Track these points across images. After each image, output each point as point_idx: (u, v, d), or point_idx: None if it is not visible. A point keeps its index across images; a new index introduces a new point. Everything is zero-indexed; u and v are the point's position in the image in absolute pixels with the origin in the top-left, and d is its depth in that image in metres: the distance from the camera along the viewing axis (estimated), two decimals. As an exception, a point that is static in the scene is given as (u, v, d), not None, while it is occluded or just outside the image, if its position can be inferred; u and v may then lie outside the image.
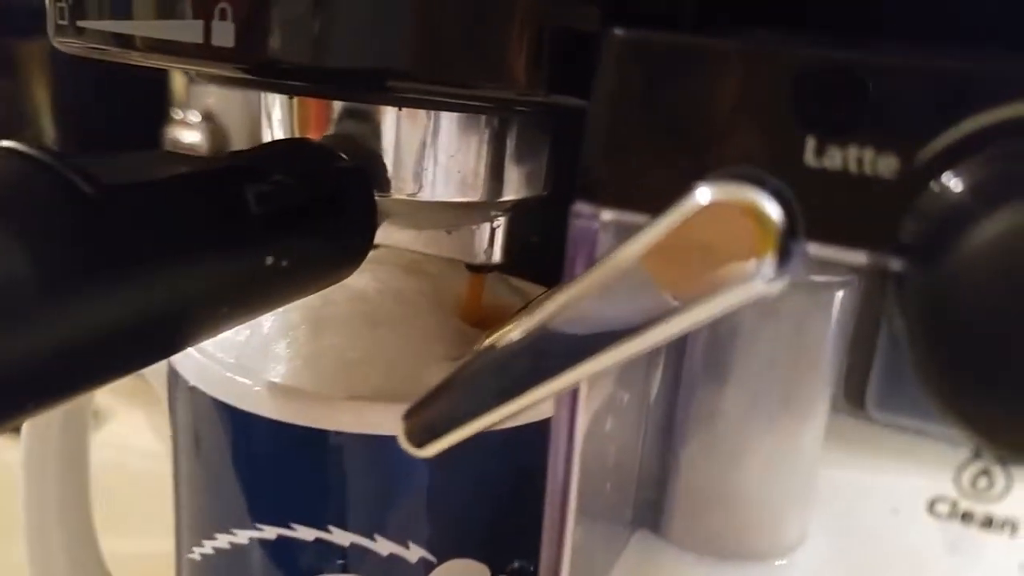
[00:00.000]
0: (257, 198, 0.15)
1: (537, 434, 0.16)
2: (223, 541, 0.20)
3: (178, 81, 0.51)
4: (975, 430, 0.09)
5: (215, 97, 0.47)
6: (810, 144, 0.10)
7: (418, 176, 0.19)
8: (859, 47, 0.10)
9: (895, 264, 0.10)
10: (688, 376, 0.19)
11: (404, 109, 0.18)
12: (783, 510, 0.19)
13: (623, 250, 0.11)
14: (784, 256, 0.10)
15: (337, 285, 0.18)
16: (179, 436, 0.21)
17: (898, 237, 0.10)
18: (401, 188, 0.19)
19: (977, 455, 0.11)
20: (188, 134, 0.55)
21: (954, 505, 0.12)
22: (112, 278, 0.13)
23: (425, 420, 0.13)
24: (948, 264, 0.09)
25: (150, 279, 0.13)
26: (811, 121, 0.10)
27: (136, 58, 0.17)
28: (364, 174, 0.18)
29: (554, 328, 0.11)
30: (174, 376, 0.21)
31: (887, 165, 0.10)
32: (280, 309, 0.18)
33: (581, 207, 0.12)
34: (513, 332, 0.17)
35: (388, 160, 0.19)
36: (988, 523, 0.12)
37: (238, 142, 0.49)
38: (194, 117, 0.54)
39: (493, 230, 0.22)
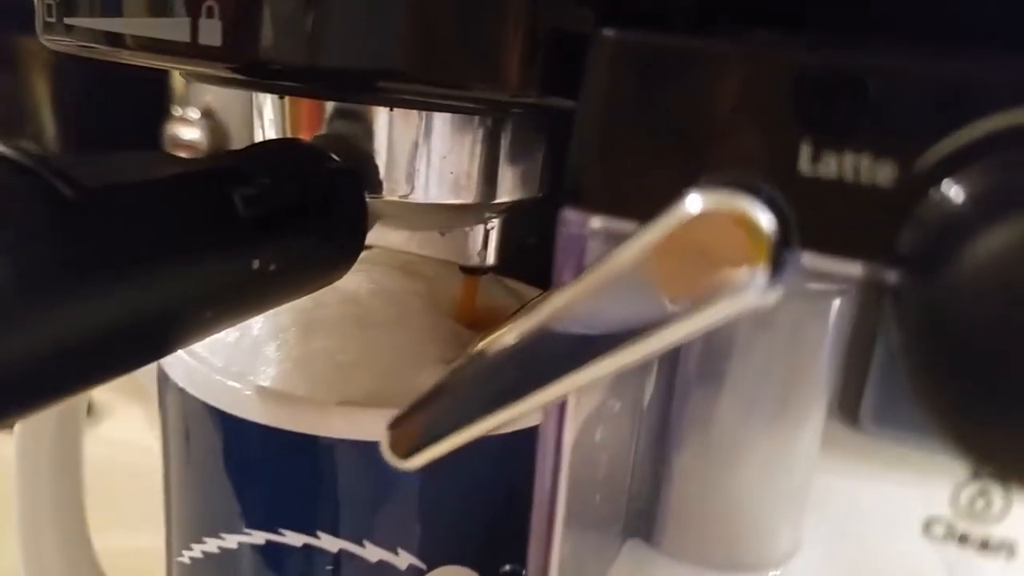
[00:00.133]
0: (245, 201, 0.15)
1: (529, 440, 0.15)
2: (212, 545, 0.20)
3: (178, 78, 0.51)
4: (971, 450, 0.09)
5: (214, 94, 0.47)
6: (805, 150, 0.10)
7: (411, 177, 0.19)
8: (856, 49, 0.10)
9: (892, 275, 0.10)
10: (682, 383, 0.19)
11: (396, 110, 0.18)
12: (777, 519, 0.19)
13: (611, 259, 0.10)
14: (777, 267, 0.10)
15: (329, 286, 0.18)
16: (169, 438, 0.21)
17: (895, 247, 0.10)
18: (393, 190, 0.19)
19: (975, 475, 0.11)
20: (187, 131, 0.54)
21: (950, 526, 0.12)
22: (92, 282, 0.12)
23: (410, 431, 0.12)
24: (947, 277, 0.09)
25: (131, 283, 0.13)
26: (806, 126, 0.10)
27: (125, 56, 0.17)
28: (355, 175, 0.18)
29: (540, 340, 0.11)
30: (163, 377, 0.21)
31: (884, 173, 0.10)
32: (270, 311, 0.17)
33: (569, 214, 0.11)
34: (503, 338, 0.17)
35: (380, 161, 0.19)
36: (985, 545, 0.12)
37: (238, 139, 0.49)
38: (193, 114, 0.54)
39: (487, 232, 0.21)
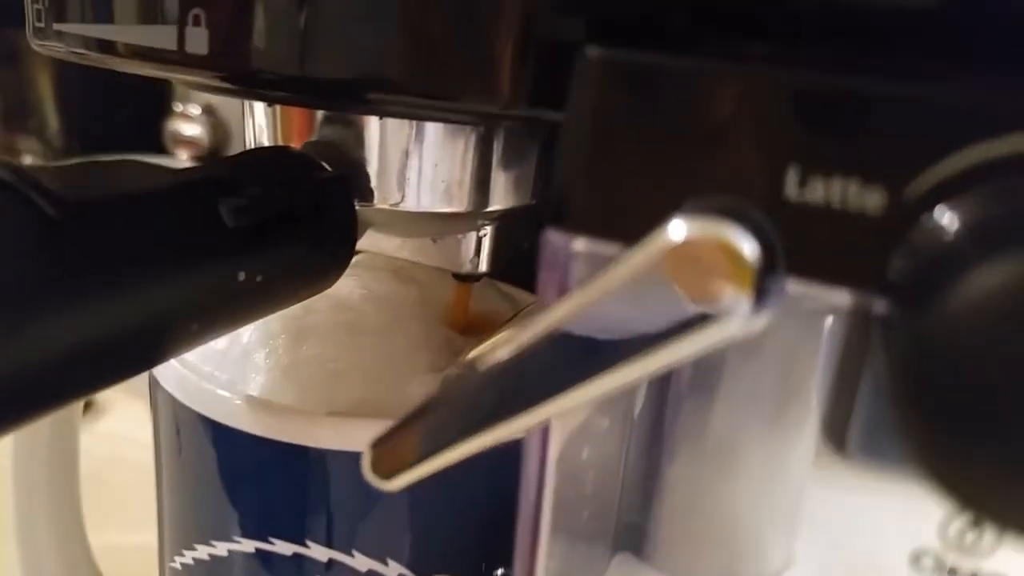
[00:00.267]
0: (231, 212, 0.15)
1: (520, 450, 0.15)
2: (203, 552, 0.20)
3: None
4: (954, 490, 0.08)
5: (215, 90, 0.47)
6: (792, 175, 0.10)
7: (402, 186, 0.18)
8: (846, 70, 0.10)
9: (880, 305, 0.10)
10: (675, 395, 0.18)
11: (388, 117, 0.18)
12: (770, 533, 0.19)
13: (594, 284, 0.10)
14: (762, 294, 0.10)
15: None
16: (160, 443, 0.21)
17: (885, 276, 0.10)
18: (385, 198, 0.19)
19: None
20: (189, 127, 0.54)
21: (939, 559, 0.12)
22: (74, 299, 0.12)
23: (392, 452, 0.12)
24: (941, 311, 0.09)
25: (115, 299, 0.13)
26: (793, 149, 0.10)
27: (114, 63, 0.17)
28: (344, 184, 0.18)
29: (521, 364, 0.11)
30: (155, 383, 0.20)
31: (873, 199, 0.09)
32: (260, 319, 0.17)
33: (552, 235, 0.11)
34: (488, 358, 0.17)
35: (371, 169, 0.18)
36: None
37: (238, 136, 0.49)
38: (195, 110, 0.53)
39: (480, 239, 0.21)
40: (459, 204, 0.19)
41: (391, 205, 0.19)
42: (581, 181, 0.11)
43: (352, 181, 0.18)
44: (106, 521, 0.29)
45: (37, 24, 0.18)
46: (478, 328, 0.24)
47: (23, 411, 0.13)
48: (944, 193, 0.09)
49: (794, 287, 0.10)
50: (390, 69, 0.14)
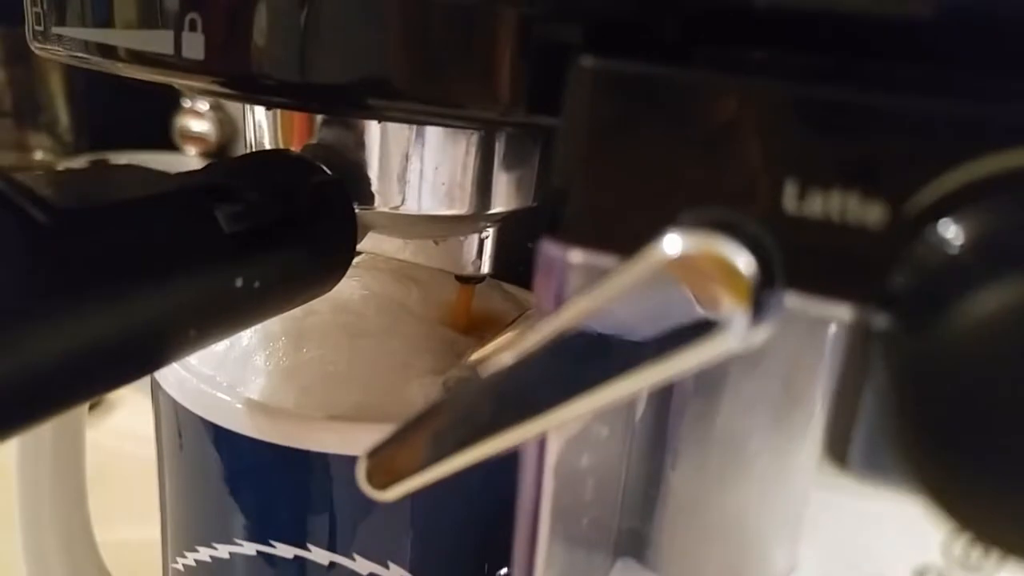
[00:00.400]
0: (228, 217, 0.15)
1: (519, 453, 0.15)
2: (204, 554, 0.20)
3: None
4: (952, 512, 0.08)
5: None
6: (790, 188, 0.09)
7: (403, 188, 0.18)
8: (845, 81, 0.10)
9: (880, 320, 0.09)
10: (679, 399, 0.18)
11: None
12: (773, 538, 0.18)
13: (588, 297, 0.10)
14: (759, 309, 0.09)
15: (321, 295, 0.18)
16: (162, 445, 0.21)
17: (885, 291, 0.09)
18: (385, 201, 0.18)
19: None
20: (197, 123, 0.54)
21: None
22: (66, 307, 0.12)
23: (387, 462, 0.12)
24: (945, 328, 0.08)
25: (109, 306, 0.13)
26: (791, 161, 0.10)
27: (112, 67, 0.17)
28: (343, 188, 0.17)
29: (518, 376, 0.11)
30: (156, 385, 0.20)
31: (873, 213, 0.09)
32: (260, 322, 0.17)
33: (548, 246, 0.11)
34: (495, 360, 0.16)
35: (372, 172, 0.18)
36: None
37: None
38: (203, 106, 0.53)
39: (481, 241, 0.21)
40: (460, 207, 0.19)
41: (392, 208, 0.18)
42: (575, 192, 0.11)
43: (352, 184, 0.18)
44: (113, 516, 0.29)
45: (36, 27, 0.18)
46: (481, 328, 0.24)
47: (19, 419, 0.13)
48: (947, 207, 0.09)
49: (793, 301, 0.10)
50: (388, 75, 0.14)
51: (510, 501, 0.15)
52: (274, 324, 0.20)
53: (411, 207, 0.18)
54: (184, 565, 0.21)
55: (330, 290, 0.18)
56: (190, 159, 0.57)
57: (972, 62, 0.10)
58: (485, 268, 0.21)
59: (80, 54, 0.17)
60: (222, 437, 0.19)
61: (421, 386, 0.20)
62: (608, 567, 0.18)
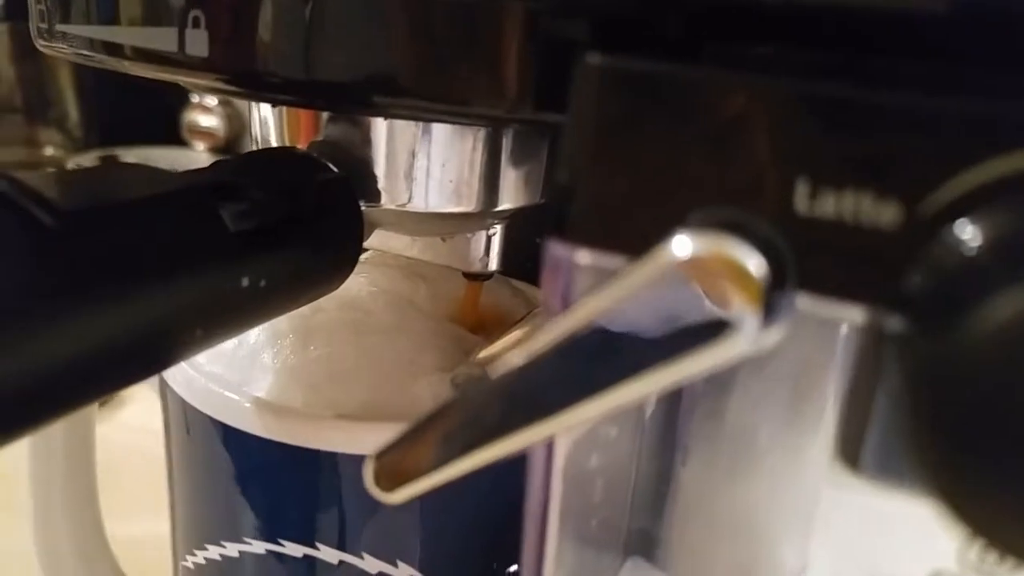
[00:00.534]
0: (234, 217, 0.15)
1: (528, 452, 0.15)
2: (214, 552, 0.20)
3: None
4: (966, 518, 0.08)
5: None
6: (801, 188, 0.09)
7: (409, 186, 0.18)
8: (857, 78, 0.09)
9: (894, 322, 0.09)
10: (689, 396, 0.18)
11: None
12: (784, 537, 0.18)
13: (596, 298, 0.10)
14: (771, 311, 0.09)
15: (329, 291, 0.18)
16: (171, 444, 0.21)
17: (899, 293, 0.09)
18: (392, 198, 0.18)
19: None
20: (205, 118, 0.54)
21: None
22: (72, 309, 0.12)
23: (394, 464, 0.12)
24: (964, 331, 0.08)
25: (115, 308, 0.13)
26: (802, 161, 0.09)
27: (117, 65, 0.17)
28: (349, 186, 0.17)
29: (525, 379, 0.11)
30: (164, 385, 0.20)
31: (887, 213, 0.09)
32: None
33: (555, 246, 0.11)
34: (503, 358, 0.16)
35: (378, 169, 0.18)
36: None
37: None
38: (211, 101, 0.53)
39: (489, 238, 0.21)
40: (468, 204, 0.19)
41: (398, 206, 0.18)
42: (582, 191, 0.10)
43: (359, 181, 0.18)
44: (123, 511, 0.29)
45: (41, 25, 0.18)
46: (489, 325, 0.24)
47: (28, 420, 0.13)
48: (963, 207, 0.09)
49: (805, 303, 0.10)
50: (393, 72, 0.14)
51: (519, 500, 0.15)
52: (281, 322, 0.20)
53: (418, 204, 0.18)
54: (194, 563, 0.21)
55: (337, 288, 0.18)
56: (199, 154, 0.57)
57: (986, 58, 0.09)
58: (493, 265, 0.21)
59: (84, 51, 0.17)
60: (231, 436, 0.19)
61: (429, 383, 0.20)
62: (618, 567, 0.18)
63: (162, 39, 0.15)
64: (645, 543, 0.18)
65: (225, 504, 0.19)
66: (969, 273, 0.09)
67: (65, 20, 0.17)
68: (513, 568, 0.20)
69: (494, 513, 0.19)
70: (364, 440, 0.18)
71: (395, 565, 0.19)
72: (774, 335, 0.10)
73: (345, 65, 0.14)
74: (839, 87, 0.09)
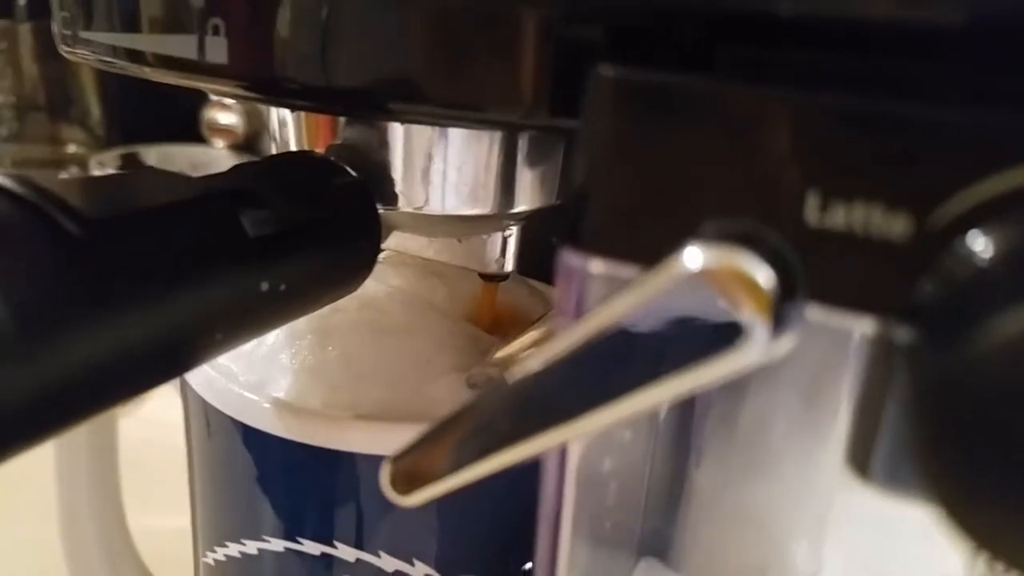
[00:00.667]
0: (253, 223, 0.15)
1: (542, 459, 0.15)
2: (233, 550, 0.20)
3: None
4: (973, 533, 0.08)
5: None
6: (811, 200, 0.09)
7: (426, 189, 0.18)
8: (868, 89, 0.09)
9: (903, 333, 0.09)
10: (703, 395, 0.18)
11: (410, 122, 0.18)
12: (797, 538, 0.18)
13: (607, 309, 0.10)
14: (780, 322, 0.09)
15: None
16: (191, 442, 0.22)
17: (910, 304, 0.09)
18: (409, 201, 0.18)
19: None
20: (224, 116, 0.55)
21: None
22: (97, 316, 0.12)
23: (410, 468, 0.12)
24: (976, 344, 0.08)
25: (138, 314, 0.13)
26: (813, 172, 0.09)
27: (138, 71, 0.17)
28: (367, 189, 0.17)
29: (537, 387, 0.11)
30: (185, 384, 0.21)
31: (898, 225, 0.09)
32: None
33: (568, 255, 0.11)
34: (520, 359, 0.17)
35: (395, 173, 0.18)
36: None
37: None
38: (231, 99, 0.54)
39: (505, 239, 0.21)
40: (484, 206, 0.19)
41: (415, 208, 0.18)
42: (595, 201, 0.11)
43: (376, 184, 0.18)
44: (146, 505, 0.30)
45: (64, 31, 0.18)
46: (506, 324, 0.24)
47: (53, 424, 0.13)
48: (974, 219, 0.09)
49: (815, 313, 0.10)
50: (410, 79, 0.14)
51: (535, 499, 0.15)
52: (300, 322, 0.21)
53: (435, 207, 0.18)
54: (214, 560, 0.21)
55: (356, 289, 0.18)
56: (218, 151, 0.58)
57: (999, 68, 0.09)
58: (509, 266, 0.21)
59: (106, 58, 0.18)
60: (250, 436, 0.19)
61: (446, 383, 0.20)
62: (631, 567, 0.18)
63: (182, 46, 0.16)
64: (658, 543, 0.18)
65: (245, 502, 0.20)
66: (980, 285, 0.09)
67: (88, 27, 0.18)
68: (528, 565, 0.21)
69: (510, 512, 0.19)
70: (382, 440, 0.18)
71: (411, 563, 0.19)
72: (785, 345, 0.10)
73: (363, 72, 0.14)
74: (850, 99, 0.09)
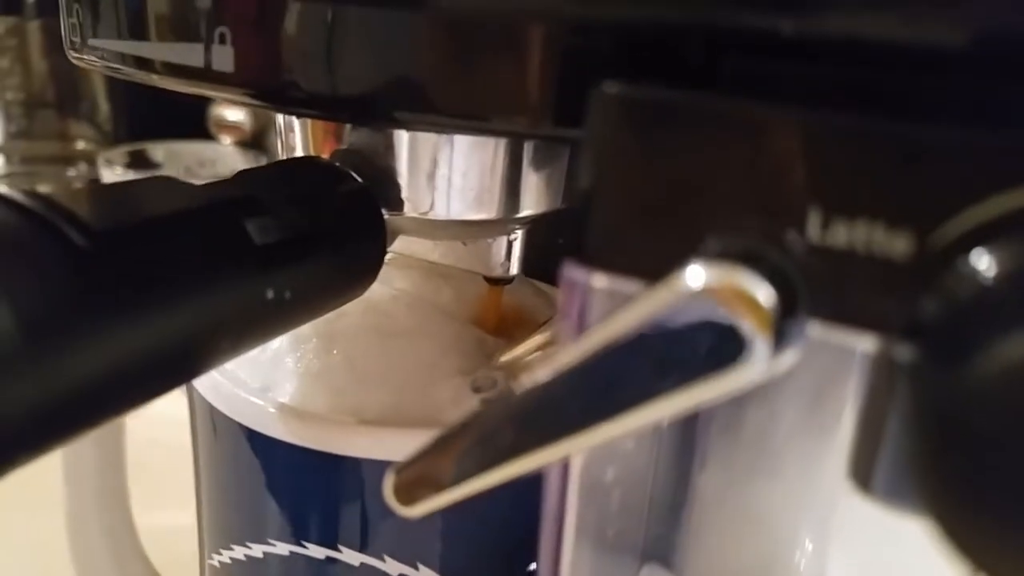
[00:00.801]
0: (259, 230, 0.15)
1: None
2: (239, 553, 0.20)
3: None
4: (965, 551, 0.08)
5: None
6: (813, 218, 0.09)
7: (431, 194, 0.18)
8: (871, 108, 0.09)
9: (905, 352, 0.09)
10: (706, 407, 0.18)
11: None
12: (801, 542, 0.18)
13: (609, 325, 0.10)
14: (781, 339, 0.09)
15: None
16: (197, 445, 0.22)
17: (912, 323, 0.09)
18: (414, 207, 0.19)
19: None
20: (232, 112, 0.55)
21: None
22: (105, 326, 0.13)
23: (414, 479, 0.12)
24: (974, 367, 0.08)
25: (144, 325, 0.13)
26: (814, 191, 0.09)
27: (146, 78, 0.17)
28: (371, 195, 0.18)
29: (539, 402, 0.11)
30: (191, 387, 0.21)
31: (899, 244, 0.09)
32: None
33: (572, 269, 0.11)
34: (524, 364, 0.17)
35: (401, 178, 0.18)
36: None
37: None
38: (237, 105, 0.54)
39: (510, 243, 0.21)
40: (489, 211, 0.19)
41: (421, 214, 0.19)
42: (597, 216, 0.11)
43: (381, 190, 0.18)
44: (151, 503, 0.30)
45: (73, 38, 0.19)
46: (512, 325, 0.24)
47: (61, 433, 0.13)
48: (979, 239, 0.09)
49: (817, 331, 0.10)
50: (415, 89, 0.14)
51: (539, 501, 0.15)
52: (305, 326, 0.21)
53: (440, 212, 0.19)
54: (220, 562, 0.21)
55: (362, 294, 0.18)
56: (225, 148, 0.58)
57: (1002, 88, 0.09)
58: (514, 270, 0.22)
59: (115, 65, 0.18)
60: (256, 440, 0.19)
61: (451, 386, 0.20)
62: (635, 572, 0.18)
63: (189, 55, 0.16)
64: (662, 549, 0.18)
65: (250, 506, 0.20)
66: (982, 305, 0.09)
67: (96, 35, 0.18)
68: (533, 566, 0.21)
69: (515, 516, 0.19)
70: (387, 446, 0.18)
71: (416, 568, 0.19)
72: (786, 361, 0.10)
73: (367, 81, 0.15)
74: (853, 117, 0.09)
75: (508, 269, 0.21)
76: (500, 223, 0.20)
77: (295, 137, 0.20)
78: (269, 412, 0.19)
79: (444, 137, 0.18)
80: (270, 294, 0.15)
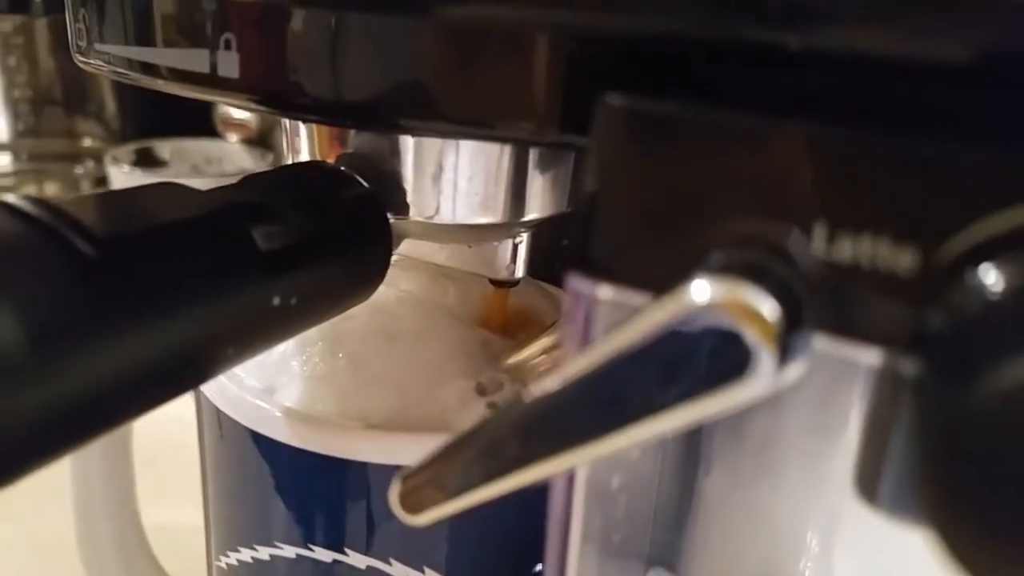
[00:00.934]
0: (264, 236, 0.15)
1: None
2: (246, 555, 0.21)
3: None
4: (966, 566, 0.08)
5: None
6: (818, 232, 0.09)
7: (437, 198, 0.18)
8: (876, 122, 0.09)
9: (909, 366, 0.09)
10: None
11: (420, 132, 0.18)
12: (806, 548, 0.18)
13: (615, 337, 0.10)
14: (786, 352, 0.09)
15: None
16: (204, 448, 0.22)
17: (917, 338, 0.09)
18: (420, 211, 0.19)
19: None
20: (238, 111, 0.55)
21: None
22: (111, 334, 0.13)
23: (420, 487, 0.12)
24: (984, 387, 0.08)
25: (150, 331, 0.13)
26: (820, 205, 0.09)
27: (151, 83, 0.17)
28: (377, 200, 0.18)
29: (544, 414, 0.11)
30: (197, 390, 0.21)
31: (905, 259, 0.09)
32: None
33: (576, 280, 0.11)
34: (529, 366, 0.17)
35: (406, 183, 0.18)
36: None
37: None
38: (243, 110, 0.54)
39: (516, 245, 0.21)
40: (494, 215, 0.19)
41: (426, 218, 0.19)
42: (602, 227, 0.11)
43: (387, 194, 0.18)
44: (158, 501, 0.30)
45: (79, 43, 0.19)
46: (517, 326, 0.24)
47: (69, 440, 0.13)
48: (984, 255, 0.09)
49: (822, 344, 0.10)
50: (420, 96, 0.14)
51: (546, 508, 0.15)
52: (311, 329, 0.21)
53: (445, 216, 0.19)
54: (227, 564, 0.21)
55: (367, 299, 0.18)
56: (232, 145, 0.58)
57: (1007, 104, 0.09)
58: (519, 272, 0.22)
59: (120, 69, 0.18)
60: (262, 444, 0.19)
61: (456, 389, 0.21)
62: (640, 577, 0.18)
63: (194, 60, 0.16)
64: (668, 554, 0.18)
65: (257, 509, 0.20)
66: (988, 320, 0.09)
67: (102, 40, 0.18)
68: (538, 567, 0.21)
69: (521, 519, 0.19)
70: (393, 450, 0.18)
71: (422, 571, 0.19)
72: (791, 375, 0.10)
73: (372, 87, 0.15)
74: (857, 131, 0.09)
75: (513, 272, 0.21)
76: (505, 227, 0.20)
77: (301, 141, 0.20)
78: (275, 416, 0.19)
79: (450, 141, 0.18)
80: (276, 300, 0.15)
